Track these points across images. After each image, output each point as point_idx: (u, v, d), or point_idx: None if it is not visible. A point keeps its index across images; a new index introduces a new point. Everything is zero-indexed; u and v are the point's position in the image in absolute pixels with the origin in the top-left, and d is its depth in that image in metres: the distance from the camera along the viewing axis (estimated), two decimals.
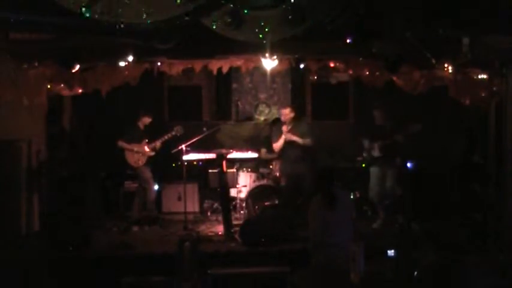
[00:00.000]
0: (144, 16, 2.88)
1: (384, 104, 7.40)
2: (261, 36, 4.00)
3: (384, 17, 4.89)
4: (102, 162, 8.20)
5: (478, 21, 4.85)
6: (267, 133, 8.34)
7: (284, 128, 7.04)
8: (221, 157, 7.18)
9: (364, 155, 7.42)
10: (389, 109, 7.38)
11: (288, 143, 7.06)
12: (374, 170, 7.33)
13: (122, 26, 3.04)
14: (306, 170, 7.03)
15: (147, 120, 7.80)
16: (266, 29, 3.93)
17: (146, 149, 7.70)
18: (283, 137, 7.05)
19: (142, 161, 7.71)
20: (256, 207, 7.59)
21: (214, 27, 3.89)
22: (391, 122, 7.26)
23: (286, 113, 7.12)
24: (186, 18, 3.06)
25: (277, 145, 7.19)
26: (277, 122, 7.81)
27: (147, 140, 7.73)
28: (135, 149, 7.66)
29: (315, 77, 8.55)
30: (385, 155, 7.19)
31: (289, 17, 3.71)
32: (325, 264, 4.65)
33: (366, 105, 8.77)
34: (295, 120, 7.21)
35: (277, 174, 7.82)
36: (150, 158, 7.75)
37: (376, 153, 7.25)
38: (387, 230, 7.08)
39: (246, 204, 7.77)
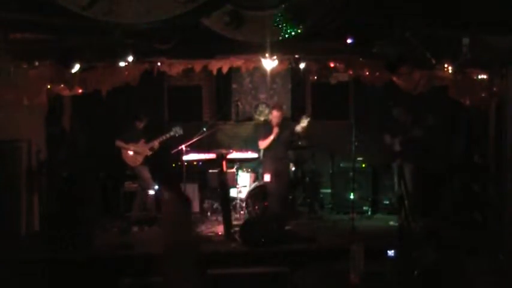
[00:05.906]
0: (144, 16, 2.87)
1: (403, 100, 7.45)
2: (261, 36, 4.00)
3: (384, 17, 4.89)
4: (102, 162, 8.19)
5: (478, 21, 4.86)
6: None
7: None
8: (221, 157, 7.17)
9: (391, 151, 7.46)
10: (410, 105, 7.44)
11: (280, 142, 7.03)
12: (394, 166, 7.41)
13: (122, 26, 3.04)
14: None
15: (140, 123, 7.78)
16: (266, 30, 3.92)
17: (143, 148, 7.67)
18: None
19: (139, 160, 7.69)
20: (256, 207, 7.59)
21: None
22: (411, 117, 7.34)
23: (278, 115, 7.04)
24: (186, 18, 3.05)
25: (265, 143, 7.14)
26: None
27: (144, 140, 7.72)
28: (132, 148, 7.65)
29: (315, 77, 8.53)
30: (404, 150, 7.25)
31: (289, 17, 3.71)
32: (181, 266, 4.53)
33: (365, 105, 8.79)
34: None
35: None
36: (147, 157, 7.74)
37: (397, 147, 7.32)
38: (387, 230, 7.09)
39: (246, 204, 7.77)
